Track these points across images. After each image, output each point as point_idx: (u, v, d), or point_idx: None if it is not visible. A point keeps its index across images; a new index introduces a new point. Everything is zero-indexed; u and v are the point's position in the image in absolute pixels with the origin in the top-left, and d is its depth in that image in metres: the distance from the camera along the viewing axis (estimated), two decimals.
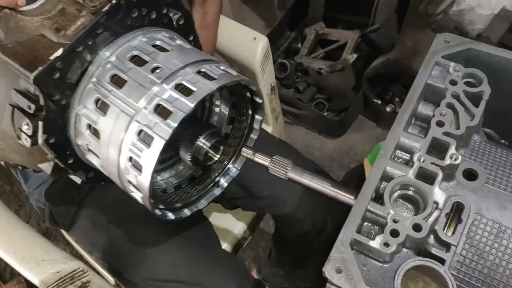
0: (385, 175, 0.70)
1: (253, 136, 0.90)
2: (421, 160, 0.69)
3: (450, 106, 0.74)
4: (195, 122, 0.82)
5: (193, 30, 0.88)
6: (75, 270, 1.11)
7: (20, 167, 1.18)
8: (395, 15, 2.37)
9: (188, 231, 1.18)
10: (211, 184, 0.93)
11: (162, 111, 0.67)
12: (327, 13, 2.48)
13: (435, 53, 0.79)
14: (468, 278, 0.66)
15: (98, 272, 1.31)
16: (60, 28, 0.72)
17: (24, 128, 0.72)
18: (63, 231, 1.34)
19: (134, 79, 0.70)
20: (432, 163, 0.69)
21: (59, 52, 0.69)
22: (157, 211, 0.78)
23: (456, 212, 0.70)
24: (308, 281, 1.54)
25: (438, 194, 0.68)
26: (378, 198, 0.70)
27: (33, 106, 0.70)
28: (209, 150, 0.81)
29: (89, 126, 0.74)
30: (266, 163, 0.95)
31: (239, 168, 0.93)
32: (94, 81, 0.73)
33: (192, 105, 0.66)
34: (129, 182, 0.72)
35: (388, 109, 2.25)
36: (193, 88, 0.67)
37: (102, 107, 0.72)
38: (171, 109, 0.66)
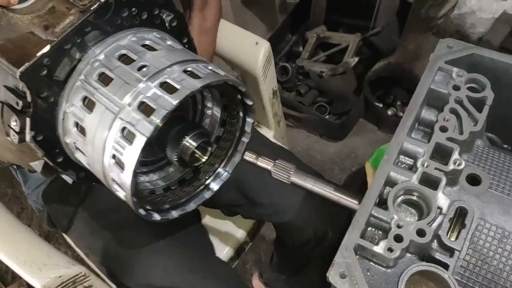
0: (388, 180, 0.70)
1: (245, 139, 0.90)
2: (425, 165, 0.70)
3: (453, 111, 0.74)
4: (183, 122, 0.80)
5: (187, 32, 0.88)
6: (77, 275, 1.11)
7: (14, 166, 1.18)
8: (396, 18, 2.37)
9: (183, 237, 1.18)
10: (201, 187, 0.92)
11: (145, 109, 0.67)
12: (328, 17, 2.48)
13: (438, 58, 0.79)
14: (472, 283, 0.67)
15: (99, 276, 1.31)
16: (48, 25, 0.73)
17: (12, 124, 0.72)
18: (64, 234, 1.35)
19: (120, 77, 0.70)
20: (435, 168, 0.69)
21: (46, 49, 0.69)
22: (142, 211, 0.77)
23: (459, 217, 0.70)
24: (310, 287, 1.54)
25: (442, 199, 0.68)
26: (382, 203, 0.70)
27: (20, 103, 0.70)
28: (195, 150, 0.80)
29: (76, 124, 0.74)
30: (269, 167, 0.95)
31: (230, 172, 0.93)
32: (82, 79, 0.73)
33: (174, 103, 0.65)
34: (113, 180, 0.72)
35: (389, 112, 2.25)
36: (177, 86, 0.67)
37: (89, 104, 0.72)
38: (154, 106, 0.66)
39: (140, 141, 0.66)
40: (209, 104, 0.91)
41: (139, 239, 1.14)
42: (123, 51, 0.74)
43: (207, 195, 0.92)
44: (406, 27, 2.01)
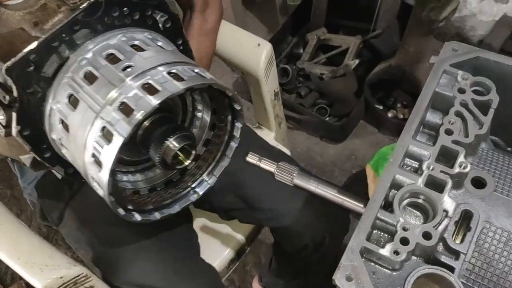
0: (394, 183, 0.70)
1: (233, 144, 0.89)
2: (430, 168, 0.70)
3: (458, 114, 0.74)
4: (169, 123, 0.80)
5: (181, 33, 0.88)
6: (78, 276, 1.10)
7: (9, 159, 1.18)
8: (396, 21, 2.38)
9: (169, 237, 1.17)
10: (188, 190, 0.92)
11: (125, 109, 0.67)
12: (329, 19, 2.48)
13: (443, 61, 0.79)
14: (478, 286, 0.67)
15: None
16: (38, 22, 0.74)
17: (0, 118, 0.73)
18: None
19: (105, 76, 0.70)
20: (441, 171, 0.69)
21: (33, 45, 0.70)
22: (121, 211, 0.77)
23: (464, 220, 0.70)
24: None
25: (448, 202, 0.68)
26: (387, 205, 0.70)
27: (7, 97, 0.71)
28: (178, 153, 0.79)
29: (62, 121, 0.74)
30: (272, 170, 0.95)
31: (217, 176, 0.92)
32: (69, 76, 0.73)
33: (154, 104, 0.65)
34: (93, 178, 0.72)
35: (389, 114, 2.26)
36: (159, 88, 0.67)
37: (73, 102, 0.73)
38: (133, 107, 0.66)
39: (117, 141, 0.66)
40: (199, 107, 0.91)
41: (124, 236, 1.14)
42: (111, 51, 0.74)
43: (193, 198, 0.92)
44: (407, 29, 2.01)
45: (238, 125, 0.86)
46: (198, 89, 0.74)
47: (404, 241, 0.64)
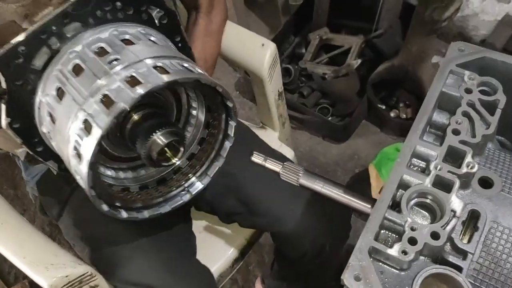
0: (401, 183, 0.70)
1: (227, 143, 0.88)
2: (438, 168, 0.70)
3: (465, 114, 0.74)
4: (158, 118, 0.79)
5: (179, 30, 0.87)
6: (83, 274, 1.11)
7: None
8: (399, 21, 2.38)
9: (166, 237, 1.18)
10: (180, 189, 0.91)
11: (107, 101, 0.67)
12: (331, 19, 2.48)
13: (450, 61, 0.79)
14: (485, 286, 0.67)
15: None
16: (28, 14, 0.74)
17: None
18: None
19: (91, 68, 0.70)
20: (448, 171, 0.69)
21: (21, 36, 0.70)
22: (104, 206, 0.76)
23: (471, 220, 0.70)
24: None
25: (455, 202, 0.68)
26: (395, 206, 0.70)
27: None
28: (166, 149, 0.78)
29: (50, 114, 0.74)
30: (278, 169, 0.95)
31: (211, 176, 0.91)
32: (58, 69, 0.73)
33: (135, 97, 0.65)
34: (75, 171, 0.71)
35: (392, 114, 2.26)
36: (142, 80, 0.66)
37: (60, 95, 0.72)
38: (115, 99, 0.66)
39: (96, 133, 0.65)
40: (194, 105, 0.90)
41: (121, 235, 1.14)
42: (101, 44, 0.74)
43: (186, 198, 0.90)
44: (409, 29, 2.01)
45: (232, 123, 0.85)
46: (184, 83, 0.72)
47: (412, 241, 0.65)
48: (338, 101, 2.35)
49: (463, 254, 0.67)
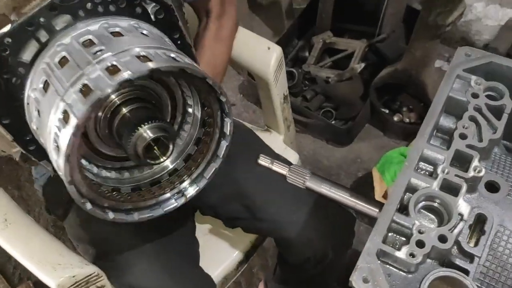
0: (409, 186, 0.71)
1: (224, 142, 0.84)
2: (445, 172, 0.70)
3: (472, 119, 0.75)
4: (146, 111, 0.76)
5: (177, 26, 0.83)
6: (90, 275, 1.11)
7: None
8: (402, 25, 2.39)
9: (169, 242, 1.18)
10: (174, 192, 0.87)
11: (86, 91, 0.64)
12: (334, 23, 2.49)
13: (456, 66, 0.80)
14: None
15: None
16: (16, 7, 0.72)
17: None
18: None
19: (75, 60, 0.68)
20: (456, 175, 0.70)
21: (6, 28, 0.68)
22: (88, 205, 0.73)
23: (478, 223, 0.71)
24: None
25: (463, 206, 0.69)
26: (402, 209, 0.71)
27: None
28: (152, 144, 0.74)
29: (37, 109, 0.72)
30: (284, 172, 0.96)
31: (208, 178, 0.86)
32: (45, 62, 0.71)
33: (112, 84, 0.62)
34: (57, 167, 0.69)
35: (395, 118, 2.27)
36: (122, 68, 0.63)
37: (46, 88, 0.70)
38: (93, 88, 0.63)
39: (72, 123, 0.62)
40: (189, 102, 0.86)
41: (125, 238, 1.14)
42: (89, 36, 0.71)
43: (180, 201, 0.86)
44: (413, 34, 2.02)
45: (228, 120, 0.81)
46: (169, 72, 0.68)
47: (420, 244, 0.65)
48: (341, 105, 2.36)
49: (470, 257, 0.68)
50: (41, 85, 0.70)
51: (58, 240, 1.15)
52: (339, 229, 1.28)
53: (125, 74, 0.62)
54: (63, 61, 0.69)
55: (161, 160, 0.78)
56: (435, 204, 0.70)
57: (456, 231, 0.67)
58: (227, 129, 0.82)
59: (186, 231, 1.26)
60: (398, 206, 0.70)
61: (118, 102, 0.76)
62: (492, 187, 0.73)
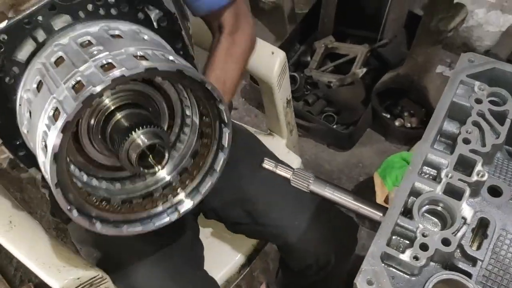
0: (413, 190, 0.72)
1: (222, 155, 0.80)
2: (449, 176, 0.71)
3: (475, 124, 0.76)
4: (141, 117, 0.73)
5: (180, 36, 0.81)
6: (94, 277, 1.12)
7: None
8: (404, 31, 2.40)
9: (173, 246, 1.18)
10: (167, 207, 0.83)
11: (78, 87, 0.62)
12: (336, 28, 2.50)
13: (460, 72, 0.81)
14: None
15: None
16: (15, 4, 0.70)
17: None
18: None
19: (71, 59, 0.66)
20: (459, 179, 0.71)
21: (3, 24, 0.66)
22: (74, 212, 0.69)
23: (480, 227, 0.72)
24: None
25: (466, 209, 0.69)
26: (406, 212, 0.72)
27: None
28: (147, 151, 0.71)
29: (29, 111, 0.69)
30: (288, 176, 0.96)
31: (203, 193, 0.83)
32: (41, 62, 0.69)
33: (105, 80, 0.60)
34: (44, 169, 0.65)
35: (396, 123, 2.28)
36: (117, 65, 0.62)
37: (39, 87, 0.68)
38: (85, 84, 0.61)
39: (62, 119, 0.60)
40: (188, 112, 0.83)
41: (130, 242, 1.12)
42: (88, 37, 0.69)
43: (173, 217, 0.83)
44: (415, 39, 2.04)
45: (226, 130, 0.77)
46: (165, 73, 0.65)
47: (424, 247, 0.66)
48: (343, 109, 2.37)
49: (473, 260, 0.69)
50: (34, 85, 0.69)
51: (62, 243, 1.16)
52: (341, 236, 1.28)
53: (120, 71, 0.60)
54: (59, 61, 0.68)
55: (156, 169, 0.74)
56: (439, 208, 0.70)
57: (459, 234, 0.68)
58: (225, 140, 0.79)
59: (190, 234, 1.26)
60: (402, 209, 0.71)
61: (113, 107, 0.74)
62: (495, 191, 0.74)
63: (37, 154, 0.67)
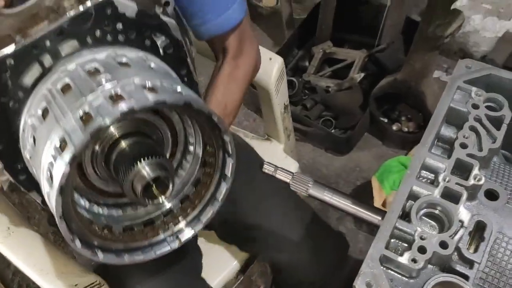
0: (411, 194, 0.73)
1: (224, 185, 0.78)
2: (446, 180, 0.72)
3: (472, 129, 0.77)
4: (146, 146, 0.71)
5: (186, 63, 0.81)
6: (92, 284, 1.13)
7: None
8: (401, 36, 2.42)
9: (170, 253, 1.18)
10: (168, 235, 0.82)
11: (86, 118, 0.61)
12: (334, 33, 2.52)
13: (457, 78, 0.82)
14: None
15: None
16: (23, 28, 0.69)
17: None
18: None
19: (78, 86, 0.65)
20: (456, 183, 0.72)
21: (10, 49, 0.66)
22: (78, 243, 0.68)
23: (477, 230, 0.73)
24: None
25: (463, 213, 0.70)
26: (404, 216, 0.73)
27: None
28: (151, 182, 0.69)
29: (33, 136, 0.68)
30: (287, 180, 0.97)
31: (204, 222, 0.81)
32: (47, 88, 0.68)
33: (114, 113, 0.59)
34: (48, 199, 0.64)
35: (394, 127, 2.29)
36: (126, 97, 0.60)
37: (45, 114, 0.67)
38: (94, 116, 0.60)
39: (69, 152, 0.58)
40: (191, 140, 0.82)
41: None
42: (95, 64, 0.68)
43: (174, 245, 0.81)
44: (412, 45, 2.05)
45: (229, 160, 0.76)
46: (174, 106, 0.65)
47: (422, 250, 0.67)
48: (341, 114, 2.38)
49: (470, 263, 0.70)
50: (40, 112, 0.67)
51: (60, 249, 1.17)
52: (331, 256, 1.29)
53: (129, 104, 0.59)
54: (65, 88, 0.66)
55: (160, 200, 0.73)
56: (436, 211, 0.71)
57: (456, 237, 0.69)
58: (229, 170, 0.77)
59: (191, 242, 1.27)
60: (400, 213, 0.72)
61: (118, 136, 0.72)
62: (492, 195, 0.75)
63: (41, 183, 0.66)
